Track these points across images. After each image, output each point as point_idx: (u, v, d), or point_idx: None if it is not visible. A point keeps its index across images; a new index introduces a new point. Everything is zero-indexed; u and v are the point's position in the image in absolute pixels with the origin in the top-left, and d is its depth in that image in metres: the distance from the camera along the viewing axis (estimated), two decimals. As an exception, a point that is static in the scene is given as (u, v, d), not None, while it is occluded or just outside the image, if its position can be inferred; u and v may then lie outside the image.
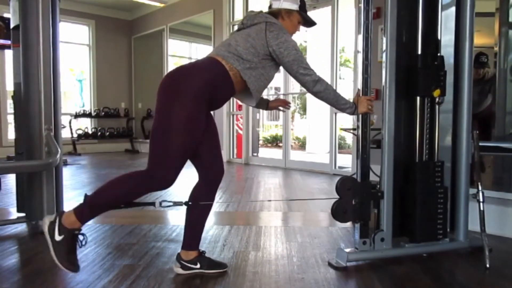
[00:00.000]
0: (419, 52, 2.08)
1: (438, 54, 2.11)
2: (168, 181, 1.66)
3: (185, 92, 1.64)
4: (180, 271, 1.84)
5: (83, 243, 1.70)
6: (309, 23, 1.95)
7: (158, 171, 1.65)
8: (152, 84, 8.72)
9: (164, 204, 1.80)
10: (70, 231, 1.64)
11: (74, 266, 1.66)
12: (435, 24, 2.14)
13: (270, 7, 1.92)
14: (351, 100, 1.92)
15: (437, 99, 2.07)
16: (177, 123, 1.61)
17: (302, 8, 1.89)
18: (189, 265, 1.83)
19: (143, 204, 1.83)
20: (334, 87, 5.04)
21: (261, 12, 1.84)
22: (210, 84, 1.67)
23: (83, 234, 1.70)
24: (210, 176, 1.87)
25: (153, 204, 1.81)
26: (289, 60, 1.74)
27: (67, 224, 1.64)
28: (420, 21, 2.10)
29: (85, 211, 1.66)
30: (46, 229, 1.61)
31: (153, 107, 7.46)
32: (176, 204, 1.83)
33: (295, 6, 1.86)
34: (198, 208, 1.85)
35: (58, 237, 1.60)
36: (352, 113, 1.90)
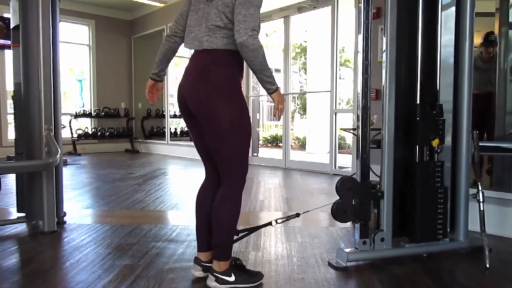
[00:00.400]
0: (418, 102, 2.09)
1: (437, 103, 2.13)
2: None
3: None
4: (214, 284, 1.69)
5: (240, 261, 1.79)
6: None
7: (241, 176, 1.71)
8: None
9: (279, 221, 1.95)
10: (230, 268, 1.71)
11: (257, 275, 1.78)
12: (435, 24, 2.14)
13: None
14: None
15: (436, 148, 2.08)
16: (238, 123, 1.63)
17: None
18: (207, 264, 1.78)
19: (261, 227, 1.92)
20: (334, 87, 5.10)
21: None
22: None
23: (237, 258, 1.79)
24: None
25: (270, 224, 1.96)
26: (237, 4, 1.56)
27: (223, 268, 1.69)
28: (420, 21, 2.10)
29: (225, 251, 1.71)
30: (220, 286, 1.68)
31: (153, 107, 7.47)
32: (289, 218, 1.98)
33: None
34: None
35: (232, 278, 1.69)
36: (270, 92, 1.64)
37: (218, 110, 1.59)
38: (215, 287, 1.67)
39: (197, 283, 1.76)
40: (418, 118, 2.06)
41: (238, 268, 1.74)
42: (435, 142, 2.04)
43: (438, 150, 2.10)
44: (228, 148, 1.63)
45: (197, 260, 1.81)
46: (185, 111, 1.71)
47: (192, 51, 1.71)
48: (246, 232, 1.96)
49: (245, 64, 1.67)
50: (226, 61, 1.63)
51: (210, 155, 1.74)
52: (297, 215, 1.96)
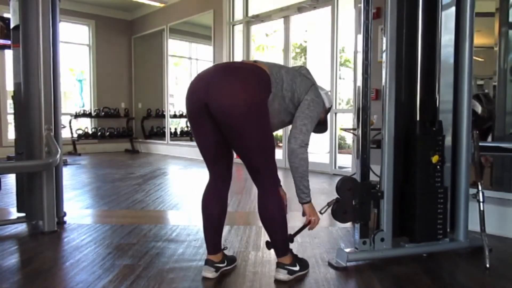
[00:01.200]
0: (418, 118, 2.09)
1: (437, 120, 2.13)
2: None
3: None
4: (287, 277, 1.78)
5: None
6: (325, 126, 2.00)
7: (275, 178, 1.79)
8: (152, 84, 8.73)
9: (323, 211, 1.96)
10: (294, 259, 1.83)
11: (306, 262, 1.92)
12: (435, 24, 2.14)
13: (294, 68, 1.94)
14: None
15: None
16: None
17: (329, 111, 1.96)
18: (219, 265, 1.84)
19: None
20: (334, 87, 5.10)
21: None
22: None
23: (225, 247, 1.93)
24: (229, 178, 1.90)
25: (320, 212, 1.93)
26: (306, 113, 1.74)
27: (290, 260, 1.80)
28: (420, 21, 2.10)
29: (286, 245, 1.82)
30: (291, 276, 1.79)
31: (153, 107, 7.47)
32: (330, 204, 1.99)
33: (328, 103, 1.91)
34: (221, 209, 1.85)
35: (297, 267, 1.82)
36: (303, 202, 1.80)
37: (255, 124, 1.62)
38: (288, 279, 1.77)
39: (197, 283, 1.76)
40: (417, 134, 2.06)
41: (294, 257, 1.84)
42: (434, 159, 2.04)
43: (438, 166, 2.10)
44: (262, 157, 1.69)
45: (209, 262, 1.82)
46: (198, 112, 1.65)
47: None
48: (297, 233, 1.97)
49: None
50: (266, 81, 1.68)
51: (217, 156, 1.77)
52: (337, 200, 1.97)
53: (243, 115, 1.57)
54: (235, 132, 1.63)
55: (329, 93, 1.96)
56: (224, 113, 1.58)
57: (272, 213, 1.74)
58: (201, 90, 1.62)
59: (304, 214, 1.84)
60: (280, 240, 1.78)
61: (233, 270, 1.91)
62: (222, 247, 1.89)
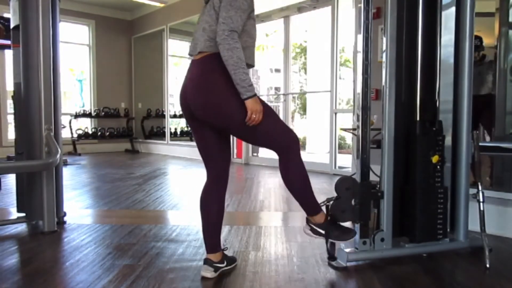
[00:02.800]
0: (418, 118, 2.09)
1: (437, 120, 2.13)
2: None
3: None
4: (212, 274, 1.80)
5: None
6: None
7: (291, 138, 1.75)
8: (152, 84, 8.73)
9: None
10: (325, 222, 1.85)
11: (350, 232, 1.91)
12: (435, 24, 2.14)
13: None
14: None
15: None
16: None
17: None
18: (218, 265, 1.83)
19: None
20: (334, 87, 5.10)
21: None
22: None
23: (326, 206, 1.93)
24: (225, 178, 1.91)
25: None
26: (227, 3, 1.63)
27: (318, 221, 1.84)
28: (420, 21, 2.10)
29: (314, 206, 1.84)
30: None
31: (153, 107, 7.49)
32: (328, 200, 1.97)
33: None
34: (219, 208, 1.85)
35: (324, 232, 1.84)
36: (243, 97, 1.60)
37: (227, 112, 1.64)
38: (308, 234, 1.86)
39: (197, 283, 1.76)
40: (417, 134, 2.06)
41: (332, 223, 1.86)
42: (434, 159, 2.04)
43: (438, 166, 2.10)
44: (258, 133, 1.69)
45: (208, 261, 1.82)
46: (188, 114, 1.76)
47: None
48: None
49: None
50: (215, 66, 1.65)
51: (213, 156, 1.80)
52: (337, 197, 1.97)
53: (217, 113, 1.66)
54: (220, 126, 1.72)
55: None
56: (196, 112, 1.69)
57: (299, 177, 1.76)
58: (182, 95, 1.75)
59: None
60: (307, 200, 1.81)
61: (233, 270, 1.91)
62: (222, 247, 1.89)
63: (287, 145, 1.74)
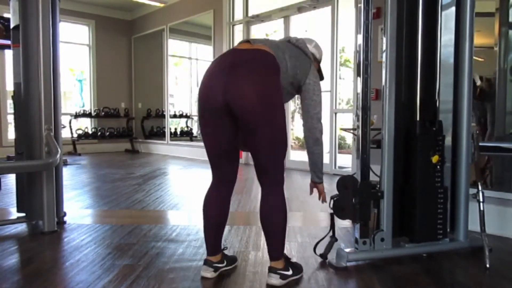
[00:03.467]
0: (418, 118, 2.09)
1: (437, 119, 2.13)
2: None
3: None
4: (280, 281, 1.74)
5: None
6: (321, 75, 1.99)
7: (283, 177, 1.77)
8: (152, 84, 8.73)
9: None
10: (287, 264, 1.79)
11: (300, 267, 1.88)
12: (435, 24, 2.14)
13: (290, 41, 1.96)
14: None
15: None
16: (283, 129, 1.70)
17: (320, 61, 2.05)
18: (218, 265, 1.83)
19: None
20: (334, 87, 5.10)
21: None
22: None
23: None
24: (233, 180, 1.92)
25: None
26: (316, 100, 1.81)
27: (283, 265, 1.76)
28: (420, 21, 2.10)
29: (282, 250, 1.78)
30: (283, 281, 1.75)
31: (153, 107, 7.47)
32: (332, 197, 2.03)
33: (319, 56, 2.02)
34: (223, 211, 1.87)
35: (290, 272, 1.78)
36: (316, 181, 1.94)
37: (275, 117, 1.62)
38: (280, 284, 1.73)
39: (197, 283, 1.76)
40: (417, 134, 2.06)
41: (287, 262, 1.80)
42: (434, 159, 2.04)
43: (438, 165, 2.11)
44: (278, 151, 1.68)
45: (208, 262, 1.81)
46: (213, 108, 1.62)
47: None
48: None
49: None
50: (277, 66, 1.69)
51: (225, 158, 1.76)
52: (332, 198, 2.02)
53: (259, 111, 1.57)
54: (251, 128, 1.61)
55: (318, 44, 2.03)
56: (242, 109, 1.57)
57: (276, 213, 1.70)
58: (217, 88, 1.59)
59: (312, 192, 2.01)
60: (276, 243, 1.73)
61: (233, 270, 1.91)
62: (222, 247, 1.89)
63: (281, 180, 1.74)
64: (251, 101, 1.55)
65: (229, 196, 1.87)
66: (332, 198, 1.99)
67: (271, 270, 1.74)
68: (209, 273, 1.80)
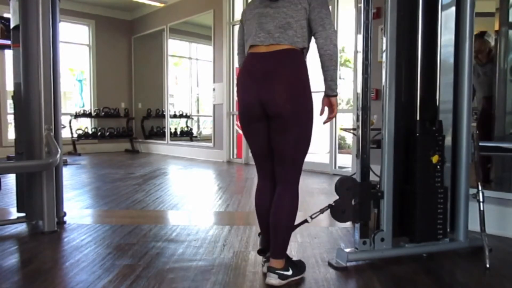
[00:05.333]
0: (418, 118, 2.09)
1: (437, 119, 2.13)
2: None
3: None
4: (278, 281, 1.72)
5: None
6: None
7: (300, 174, 1.78)
8: (152, 84, 8.73)
9: (313, 216, 1.93)
10: (286, 264, 1.77)
11: (302, 265, 1.88)
12: (435, 24, 2.14)
13: None
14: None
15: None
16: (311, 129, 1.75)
17: None
18: (282, 272, 1.75)
19: (298, 225, 1.91)
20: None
21: None
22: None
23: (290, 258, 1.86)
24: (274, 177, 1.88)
25: (306, 221, 1.92)
26: (329, 13, 1.71)
27: (283, 265, 1.75)
28: (420, 21, 2.10)
29: (285, 249, 1.78)
30: (283, 281, 1.74)
31: (153, 107, 7.46)
32: (323, 210, 1.95)
33: None
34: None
35: (290, 272, 1.77)
36: (334, 93, 1.76)
37: (303, 108, 1.68)
38: (280, 284, 1.72)
39: (197, 283, 1.76)
40: (417, 133, 2.06)
41: (289, 261, 1.79)
42: (434, 159, 2.04)
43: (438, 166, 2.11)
44: (302, 149, 1.72)
45: (270, 269, 1.77)
46: (254, 113, 1.71)
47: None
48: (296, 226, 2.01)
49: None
50: (303, 59, 1.72)
51: (269, 156, 1.78)
52: (330, 206, 1.96)
53: (291, 113, 1.65)
54: (284, 124, 1.67)
55: None
56: (277, 114, 1.65)
57: (287, 211, 1.72)
58: (253, 90, 1.69)
59: (326, 106, 1.82)
60: (281, 241, 1.73)
61: (234, 270, 1.91)
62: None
63: (297, 178, 1.77)
64: (285, 108, 1.64)
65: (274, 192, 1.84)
66: (321, 211, 1.94)
67: (270, 269, 1.74)
68: (273, 280, 1.74)
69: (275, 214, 1.72)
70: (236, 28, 6.54)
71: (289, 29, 1.68)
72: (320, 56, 1.71)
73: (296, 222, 1.81)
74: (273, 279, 1.72)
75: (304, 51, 1.73)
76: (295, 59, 1.68)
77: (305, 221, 1.92)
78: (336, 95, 1.77)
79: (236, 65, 6.57)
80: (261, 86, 1.67)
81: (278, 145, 1.71)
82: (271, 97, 1.65)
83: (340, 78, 5.62)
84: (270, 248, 1.76)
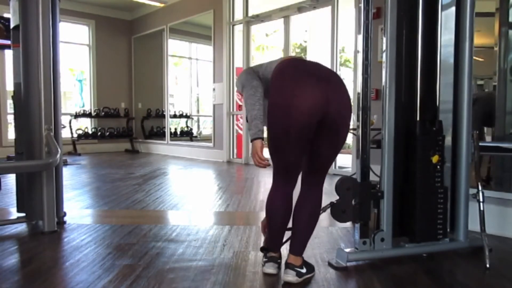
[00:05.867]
0: (418, 118, 2.10)
1: (437, 119, 2.14)
2: None
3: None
4: (296, 279, 1.74)
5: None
6: None
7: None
8: (152, 84, 8.73)
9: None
10: (303, 262, 1.81)
11: (312, 265, 1.89)
12: (435, 24, 2.14)
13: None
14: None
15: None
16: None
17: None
18: (299, 270, 1.77)
19: None
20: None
21: None
22: None
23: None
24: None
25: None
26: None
27: (300, 262, 1.79)
28: (420, 21, 2.10)
29: (304, 247, 1.83)
30: (299, 279, 1.76)
31: (153, 107, 7.46)
32: (325, 209, 1.96)
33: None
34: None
35: (304, 270, 1.79)
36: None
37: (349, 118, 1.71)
38: (297, 281, 1.75)
39: (197, 283, 1.76)
40: (417, 134, 2.06)
41: (304, 261, 1.82)
42: (434, 159, 2.04)
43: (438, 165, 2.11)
44: (336, 154, 1.77)
45: (273, 258, 1.87)
46: (312, 122, 1.59)
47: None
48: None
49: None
50: None
51: (300, 166, 1.79)
52: (331, 204, 1.97)
53: (349, 118, 1.70)
54: (338, 132, 1.69)
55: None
56: (341, 117, 1.65)
57: (315, 210, 1.78)
58: (319, 101, 1.57)
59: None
60: (304, 239, 1.80)
61: (234, 270, 1.91)
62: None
63: (323, 180, 1.82)
64: (349, 110, 1.70)
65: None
66: (323, 209, 1.94)
67: (289, 266, 1.76)
68: (274, 269, 1.84)
69: (302, 213, 1.78)
70: (236, 28, 6.55)
71: None
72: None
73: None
74: (290, 276, 1.74)
75: None
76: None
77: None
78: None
79: (237, 65, 6.59)
80: (328, 87, 1.60)
81: (323, 155, 1.72)
82: (340, 99, 1.63)
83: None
84: (291, 245, 1.80)
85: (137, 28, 8.81)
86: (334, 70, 1.65)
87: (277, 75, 1.66)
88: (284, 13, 5.79)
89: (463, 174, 2.17)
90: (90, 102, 8.50)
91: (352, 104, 1.72)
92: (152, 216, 3.00)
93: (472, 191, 2.14)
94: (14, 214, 2.83)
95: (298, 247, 1.79)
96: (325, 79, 1.63)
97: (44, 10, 2.51)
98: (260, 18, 6.12)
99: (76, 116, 8.02)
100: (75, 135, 7.87)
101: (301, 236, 1.80)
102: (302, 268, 1.77)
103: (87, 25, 8.39)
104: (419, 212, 2.04)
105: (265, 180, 4.56)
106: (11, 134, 7.09)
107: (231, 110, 6.65)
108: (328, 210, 1.97)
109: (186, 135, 8.61)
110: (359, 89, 2.01)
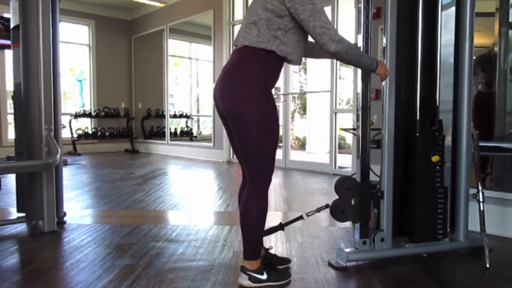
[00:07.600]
0: (418, 118, 2.09)
1: (437, 119, 2.13)
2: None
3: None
4: (248, 283, 1.69)
5: (270, 260, 1.89)
6: None
7: (269, 173, 1.69)
8: (152, 84, 8.73)
9: (309, 214, 1.98)
10: (262, 266, 1.73)
11: (286, 273, 1.82)
12: (435, 24, 2.14)
13: None
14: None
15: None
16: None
17: None
18: (253, 274, 1.70)
19: (294, 221, 1.98)
20: (334, 87, 5.10)
21: None
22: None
23: (267, 257, 1.87)
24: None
25: (301, 217, 1.98)
26: (304, 16, 1.55)
27: (255, 267, 1.71)
28: (420, 21, 2.10)
29: (256, 250, 1.72)
30: (253, 284, 1.70)
31: (153, 107, 7.50)
32: (320, 209, 1.98)
33: None
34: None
35: (264, 276, 1.71)
36: (371, 69, 1.78)
37: (243, 108, 1.57)
38: (248, 285, 1.68)
39: (197, 283, 1.76)
40: (417, 133, 2.06)
41: (269, 266, 1.78)
42: (434, 158, 2.04)
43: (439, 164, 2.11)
44: (253, 148, 1.61)
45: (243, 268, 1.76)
46: (218, 111, 1.74)
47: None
48: (277, 227, 2.06)
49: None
50: (256, 59, 1.61)
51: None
52: (327, 206, 1.96)
53: (232, 96, 1.60)
54: (229, 118, 1.65)
55: None
56: (219, 101, 1.67)
57: (256, 215, 1.66)
58: (215, 95, 1.71)
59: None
60: (250, 241, 1.69)
61: (234, 270, 1.91)
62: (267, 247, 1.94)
63: (263, 178, 1.67)
64: (223, 90, 1.63)
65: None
66: (318, 210, 1.94)
67: (241, 269, 1.71)
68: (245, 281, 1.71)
69: (242, 217, 1.70)
70: (236, 28, 6.55)
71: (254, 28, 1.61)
72: (342, 61, 1.71)
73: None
74: (241, 279, 1.70)
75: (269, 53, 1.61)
76: (247, 56, 1.62)
77: (301, 217, 1.92)
78: (373, 70, 1.79)
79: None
80: (218, 81, 1.69)
81: (237, 142, 1.69)
82: (218, 92, 1.66)
83: (340, 78, 5.61)
84: (244, 248, 1.72)
85: (137, 28, 8.81)
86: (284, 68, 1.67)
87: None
88: (284, 13, 5.78)
89: (463, 174, 2.17)
90: (90, 102, 8.50)
91: (239, 95, 1.58)
92: (152, 216, 3.00)
93: (472, 191, 2.14)
94: (14, 214, 2.84)
95: (244, 250, 1.71)
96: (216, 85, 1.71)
97: (44, 10, 2.51)
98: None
99: (76, 116, 8.02)
100: (75, 135, 7.87)
101: (243, 236, 1.71)
102: (260, 274, 1.69)
103: (87, 25, 8.38)
104: (419, 212, 2.04)
105: (265, 180, 4.54)
106: (11, 134, 7.08)
107: (231, 110, 6.63)
108: (328, 210, 1.97)
109: (186, 135, 8.61)
110: (359, 89, 2.01)
